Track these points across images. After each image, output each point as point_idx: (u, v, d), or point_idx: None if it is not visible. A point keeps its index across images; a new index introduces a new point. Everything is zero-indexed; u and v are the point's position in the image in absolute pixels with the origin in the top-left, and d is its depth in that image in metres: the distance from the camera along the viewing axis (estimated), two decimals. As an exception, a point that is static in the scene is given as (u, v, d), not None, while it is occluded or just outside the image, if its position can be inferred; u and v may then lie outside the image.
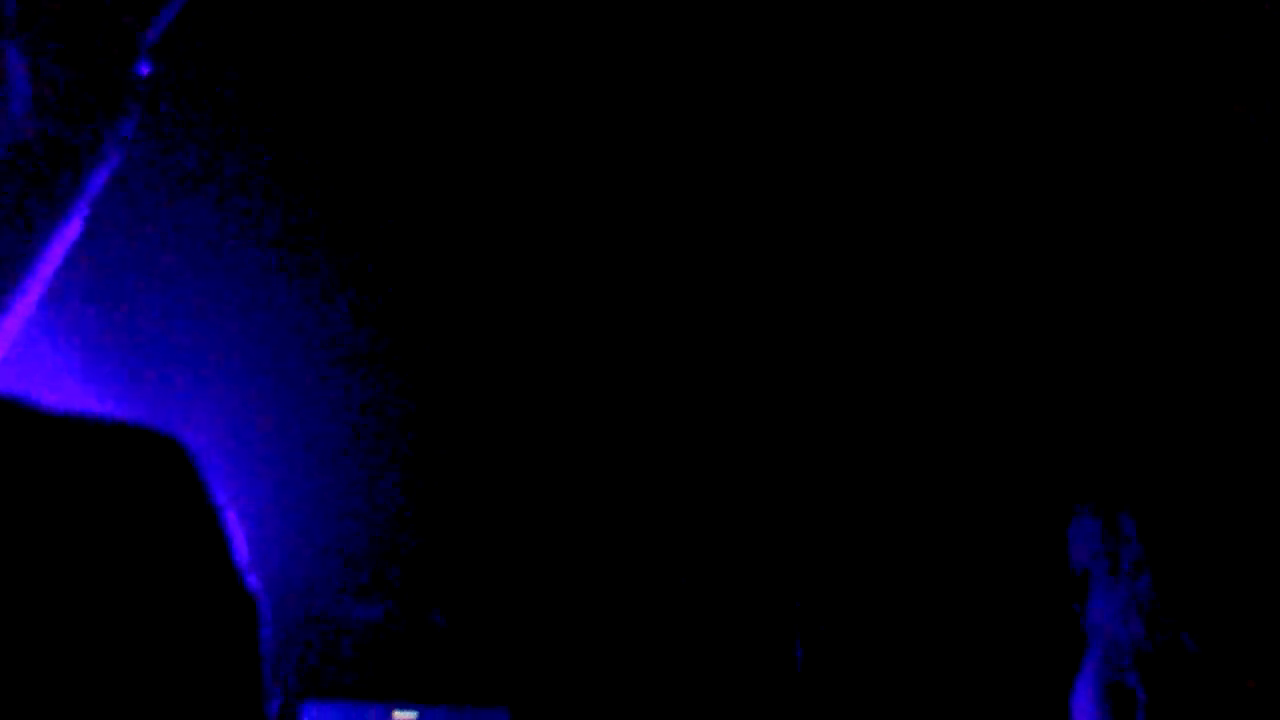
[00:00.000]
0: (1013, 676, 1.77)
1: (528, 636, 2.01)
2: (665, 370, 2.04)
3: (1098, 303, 1.86)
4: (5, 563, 0.65)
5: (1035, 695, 1.62)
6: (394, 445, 2.03)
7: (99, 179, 1.49)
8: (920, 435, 1.94)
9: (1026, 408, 1.89)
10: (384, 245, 2.02)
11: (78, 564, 0.67)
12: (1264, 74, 1.70)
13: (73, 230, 1.47)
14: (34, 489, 0.68)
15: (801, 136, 1.90)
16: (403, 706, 1.95)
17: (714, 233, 1.98)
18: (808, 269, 1.97)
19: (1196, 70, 1.71)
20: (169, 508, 0.71)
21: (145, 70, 1.51)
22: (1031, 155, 1.83)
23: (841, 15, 1.81)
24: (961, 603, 1.84)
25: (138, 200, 1.90)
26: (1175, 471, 1.08)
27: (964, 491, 1.89)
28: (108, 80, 1.48)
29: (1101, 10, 1.72)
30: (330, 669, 1.94)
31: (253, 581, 0.77)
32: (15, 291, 1.41)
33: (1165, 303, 1.80)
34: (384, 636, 2.00)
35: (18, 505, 0.67)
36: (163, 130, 1.86)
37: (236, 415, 1.99)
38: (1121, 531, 1.07)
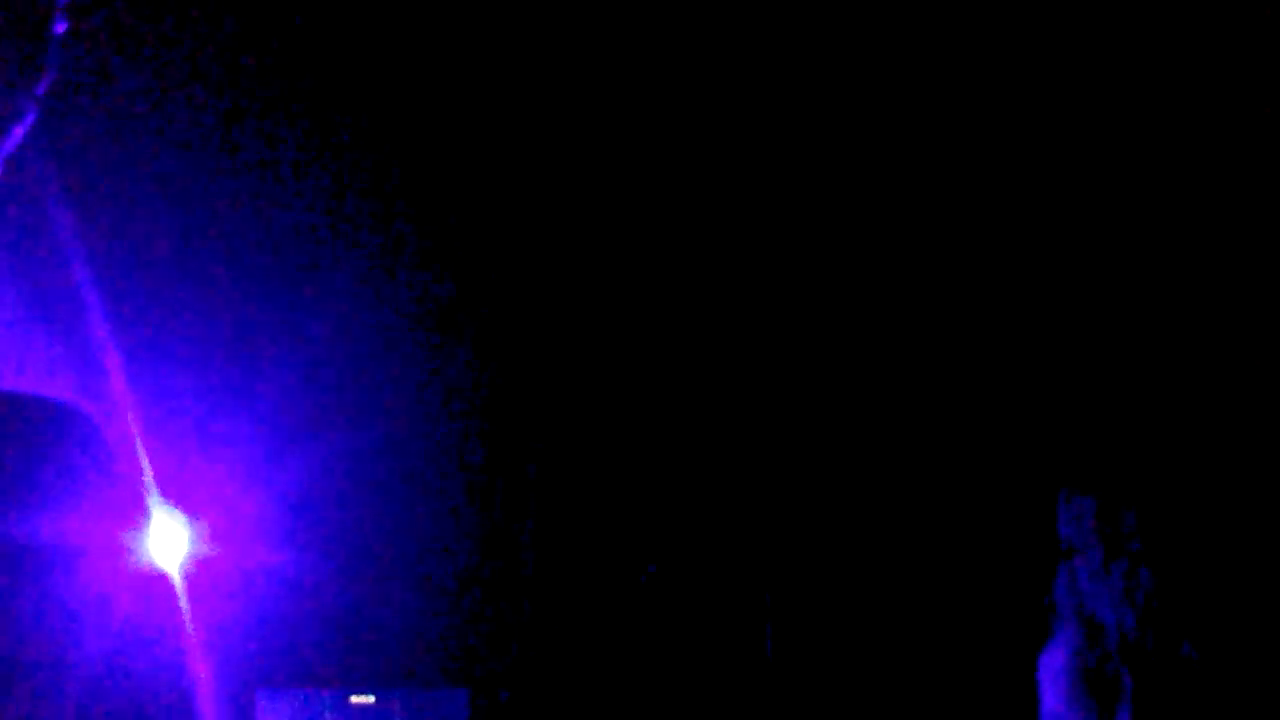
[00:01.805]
0: (978, 657, 1.91)
1: (492, 619, 2.07)
2: (639, 356, 2.08)
3: (1107, 293, 1.95)
4: None
5: (999, 673, 1.76)
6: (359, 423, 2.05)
7: (14, 134, 1.49)
8: (898, 421, 2.02)
9: (1005, 393, 1.98)
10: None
11: None
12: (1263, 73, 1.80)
13: None
14: None
15: (801, 136, 1.97)
16: (359, 691, 2.02)
17: (698, 222, 2.02)
18: (783, 248, 2.02)
19: (1200, 68, 1.79)
20: (78, 476, 0.72)
21: (60, 28, 1.51)
22: (1037, 139, 1.87)
23: (842, 15, 1.89)
24: (929, 587, 1.96)
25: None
26: (1178, 468, 1.18)
27: (939, 478, 1.99)
28: (22, 38, 1.47)
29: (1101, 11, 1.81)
30: (286, 656, 1.98)
31: (155, 560, 0.82)
32: None
33: (1178, 297, 1.90)
34: (339, 621, 2.03)
35: None
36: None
37: (199, 392, 1.99)
38: (1122, 522, 1.17)
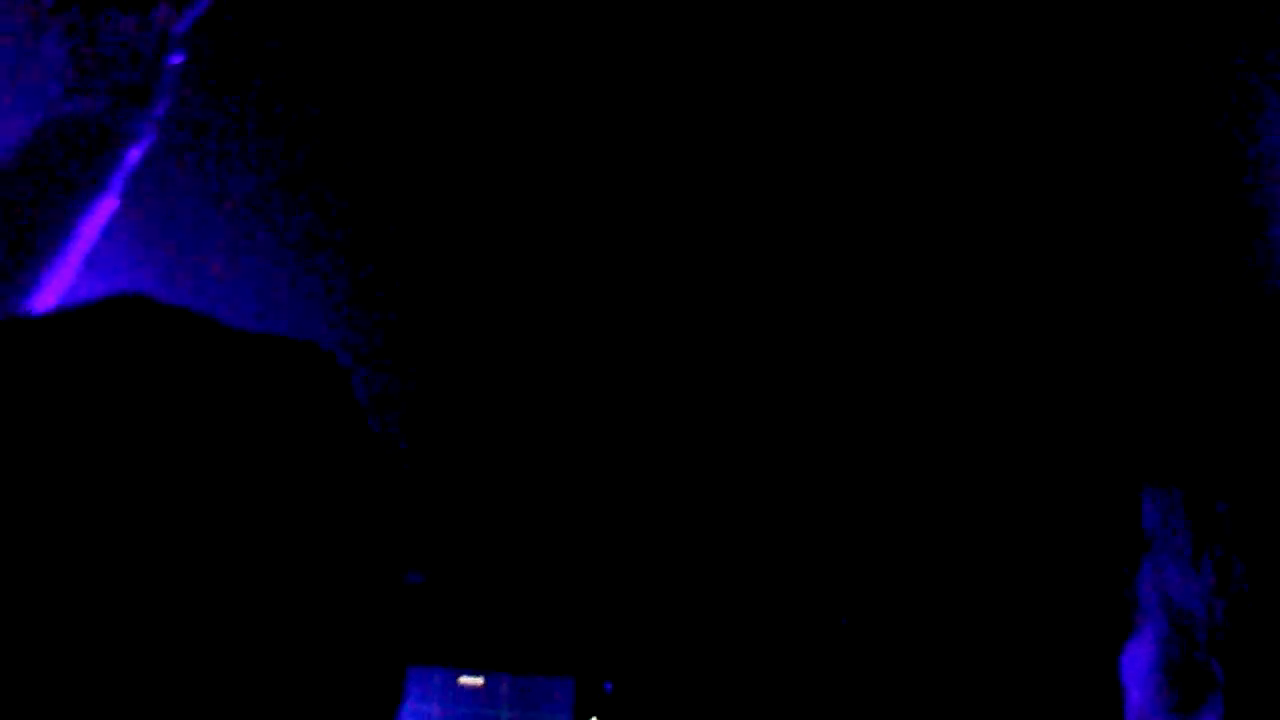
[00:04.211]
0: (1060, 656, 1.86)
1: (603, 610, 2.09)
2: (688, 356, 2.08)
3: (1188, 281, 1.90)
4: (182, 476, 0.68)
5: (1082, 671, 1.70)
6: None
7: (133, 156, 1.56)
8: (981, 416, 1.98)
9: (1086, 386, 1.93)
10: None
11: (249, 471, 0.70)
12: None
13: (109, 205, 1.53)
14: (203, 399, 0.70)
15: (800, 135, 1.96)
16: (469, 673, 2.06)
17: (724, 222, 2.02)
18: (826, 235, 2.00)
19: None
20: (332, 422, 0.75)
21: (178, 59, 1.58)
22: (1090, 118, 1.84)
23: (841, 15, 1.88)
24: (1008, 585, 1.91)
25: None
26: (1268, 458, 1.13)
27: (1020, 475, 1.95)
28: (141, 64, 1.55)
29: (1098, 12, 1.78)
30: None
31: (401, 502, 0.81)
32: (54, 263, 1.46)
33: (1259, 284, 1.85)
34: (441, 601, 2.07)
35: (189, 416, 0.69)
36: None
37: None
38: (1213, 513, 1.13)
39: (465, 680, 2.04)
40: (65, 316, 0.74)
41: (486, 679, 2.04)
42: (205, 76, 1.88)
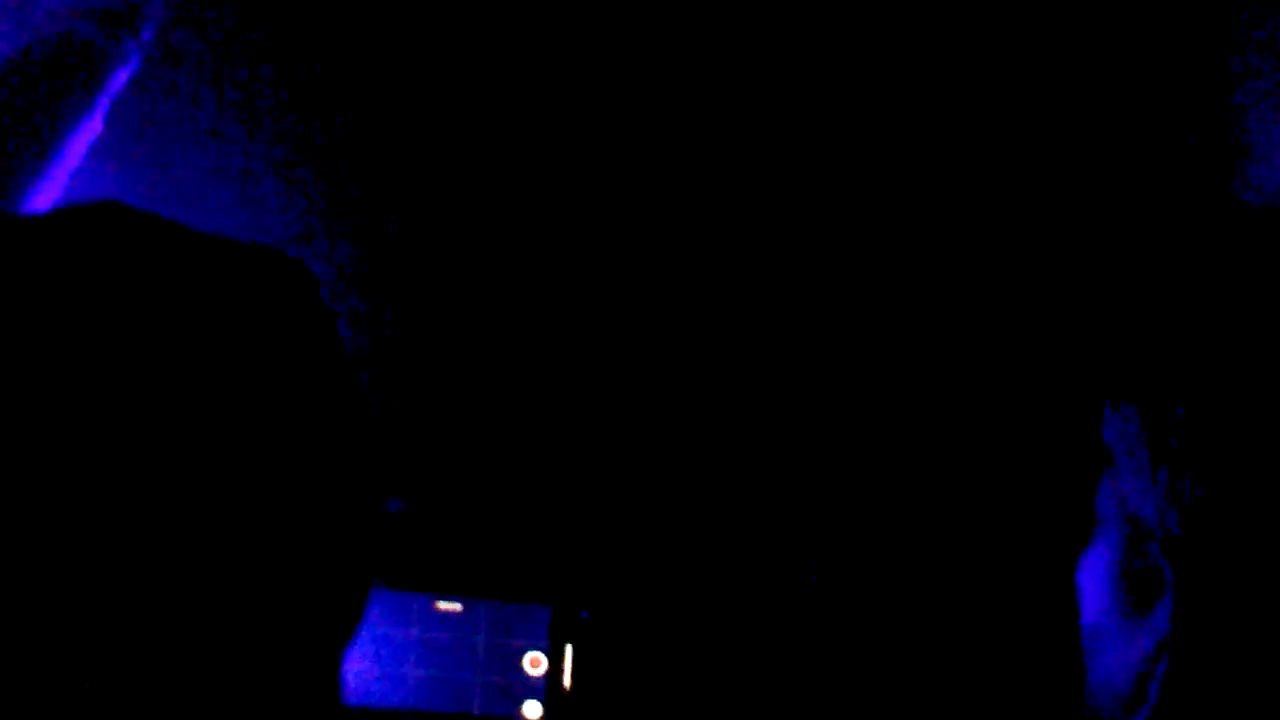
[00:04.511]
0: (1021, 573, 1.88)
1: (571, 538, 2.11)
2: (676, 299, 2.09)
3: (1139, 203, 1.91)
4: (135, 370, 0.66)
5: (1041, 586, 1.72)
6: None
7: (119, 80, 1.57)
8: (938, 342, 1.99)
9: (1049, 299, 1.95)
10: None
11: (205, 372, 0.68)
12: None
13: (95, 126, 1.54)
14: (163, 299, 0.69)
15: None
16: (447, 598, 2.05)
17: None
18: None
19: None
20: (301, 330, 0.74)
21: None
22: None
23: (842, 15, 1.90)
24: (968, 505, 1.93)
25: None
26: (1225, 374, 1.14)
27: (979, 399, 1.96)
28: None
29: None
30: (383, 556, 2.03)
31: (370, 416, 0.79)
32: (36, 182, 1.47)
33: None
34: (420, 529, 2.08)
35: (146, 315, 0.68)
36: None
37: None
38: (1169, 425, 1.15)
39: (443, 605, 2.05)
40: (30, 220, 0.75)
41: (464, 605, 2.06)
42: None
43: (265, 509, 0.72)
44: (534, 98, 2.03)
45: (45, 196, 1.49)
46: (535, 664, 2.07)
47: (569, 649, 2.06)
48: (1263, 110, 1.85)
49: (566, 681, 2.06)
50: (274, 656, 0.74)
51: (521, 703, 2.07)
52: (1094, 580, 1.32)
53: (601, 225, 2.08)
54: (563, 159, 2.06)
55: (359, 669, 2.04)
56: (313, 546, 0.77)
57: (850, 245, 2.04)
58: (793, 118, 2.01)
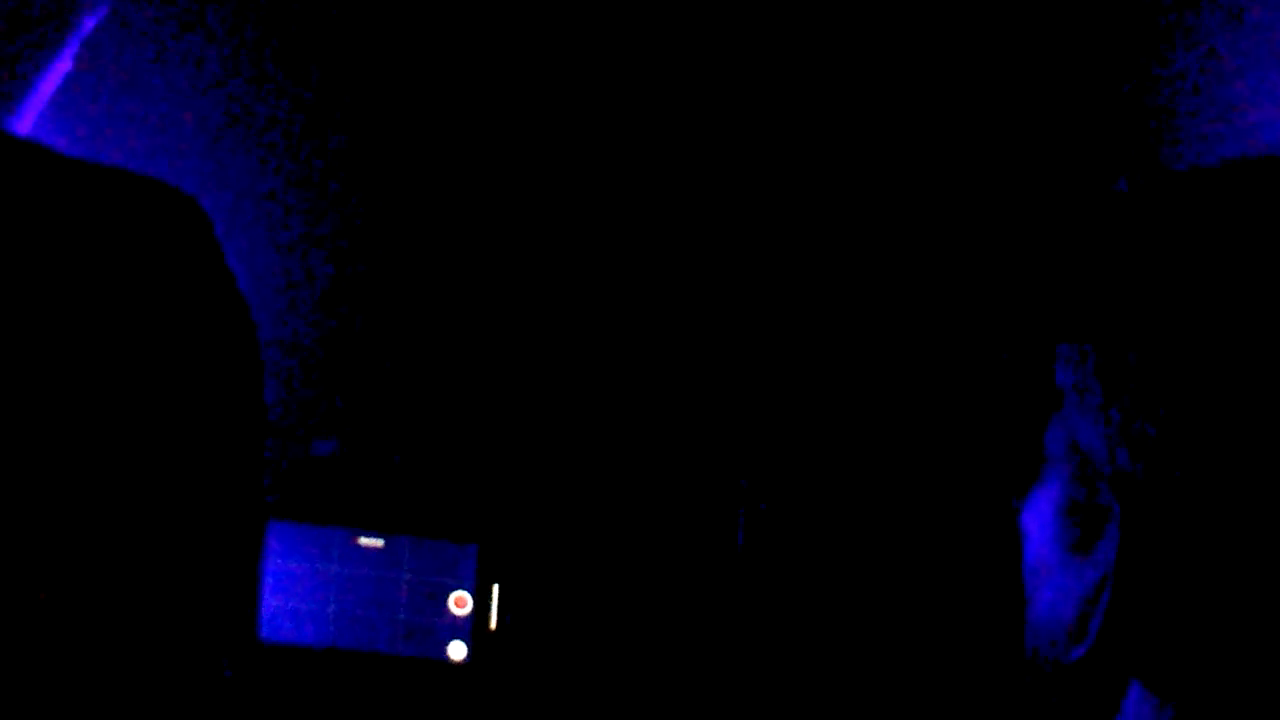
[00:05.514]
0: (962, 515, 1.87)
1: (500, 477, 2.07)
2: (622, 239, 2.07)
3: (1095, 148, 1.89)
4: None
5: (985, 528, 1.71)
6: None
7: (89, 23, 1.53)
8: (885, 284, 1.98)
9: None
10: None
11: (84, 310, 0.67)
12: None
13: (62, 68, 1.51)
14: (42, 230, 0.67)
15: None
16: (368, 534, 2.03)
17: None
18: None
19: None
20: (186, 265, 0.72)
21: None
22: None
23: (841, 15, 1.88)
24: (911, 447, 1.92)
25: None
26: (1181, 315, 1.14)
27: (929, 341, 1.95)
28: None
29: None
30: (297, 490, 1.99)
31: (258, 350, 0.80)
32: (6, 120, 1.45)
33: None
34: (345, 468, 2.05)
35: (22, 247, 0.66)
36: None
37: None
38: (1123, 366, 1.13)
39: (365, 541, 2.01)
40: None
41: (387, 541, 2.01)
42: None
43: (132, 437, 0.70)
44: (534, 98, 2.00)
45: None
46: (461, 604, 2.03)
47: (495, 588, 2.02)
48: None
49: (493, 622, 2.02)
50: (166, 593, 0.70)
51: (447, 643, 2.03)
52: (1039, 517, 1.30)
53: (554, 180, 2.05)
54: (561, 156, 2.03)
55: (276, 605, 2.00)
56: (192, 473, 0.73)
57: (802, 184, 2.02)
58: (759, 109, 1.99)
